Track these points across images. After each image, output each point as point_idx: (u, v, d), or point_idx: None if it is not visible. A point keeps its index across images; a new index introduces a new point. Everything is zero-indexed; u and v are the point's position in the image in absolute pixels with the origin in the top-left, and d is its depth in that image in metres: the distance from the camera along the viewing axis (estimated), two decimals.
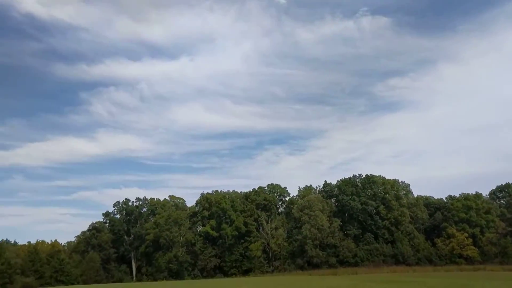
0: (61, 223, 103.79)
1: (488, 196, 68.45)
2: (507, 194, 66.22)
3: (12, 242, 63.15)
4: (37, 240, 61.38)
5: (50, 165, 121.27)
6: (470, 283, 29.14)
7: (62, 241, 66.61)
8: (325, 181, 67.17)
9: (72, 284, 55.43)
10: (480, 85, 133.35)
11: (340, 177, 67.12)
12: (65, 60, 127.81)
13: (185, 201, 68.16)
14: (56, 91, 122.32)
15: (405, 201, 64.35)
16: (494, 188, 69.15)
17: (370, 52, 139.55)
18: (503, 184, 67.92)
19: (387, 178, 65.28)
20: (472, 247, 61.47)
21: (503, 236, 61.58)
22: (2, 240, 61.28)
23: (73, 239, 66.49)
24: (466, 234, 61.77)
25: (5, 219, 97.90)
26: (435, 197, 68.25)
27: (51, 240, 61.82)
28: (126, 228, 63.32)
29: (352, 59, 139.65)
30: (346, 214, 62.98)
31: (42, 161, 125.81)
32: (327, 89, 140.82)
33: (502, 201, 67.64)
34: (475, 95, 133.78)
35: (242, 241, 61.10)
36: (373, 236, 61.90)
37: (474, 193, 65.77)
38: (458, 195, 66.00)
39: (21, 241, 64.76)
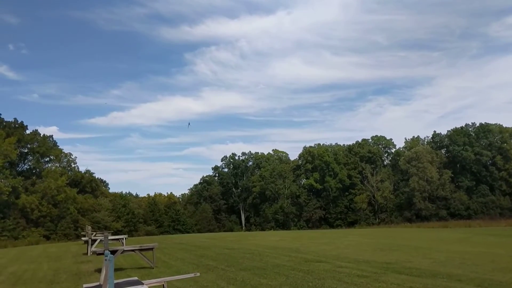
0: (175, 177, 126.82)
1: None
2: None
3: (134, 195, 79.06)
4: (155, 192, 76.47)
5: (162, 124, 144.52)
6: None
7: (177, 193, 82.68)
8: (434, 131, 73.14)
9: (188, 232, 69.18)
10: None
11: (451, 126, 72.80)
12: (169, 23, 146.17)
13: (288, 154, 79.24)
14: (162, 53, 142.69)
15: None
16: None
17: None
18: None
19: (504, 126, 68.95)
20: None
21: None
22: (126, 193, 77.41)
23: (186, 191, 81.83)
24: None
25: (126, 174, 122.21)
26: None
27: (167, 193, 76.77)
28: (234, 181, 76.14)
29: None
30: (458, 165, 68.63)
31: (155, 120, 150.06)
32: (434, 33, 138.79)
33: None
34: None
35: (347, 193, 70.24)
36: (488, 188, 67.02)
37: None
38: None
39: (141, 194, 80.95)
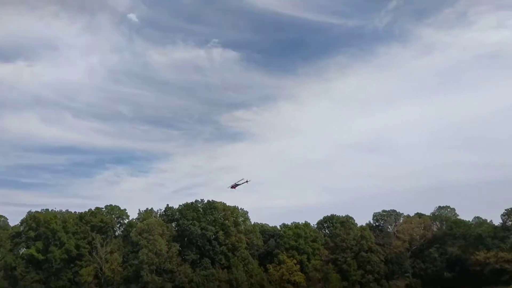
0: None
1: (316, 226, 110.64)
2: (331, 225, 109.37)
3: None
4: None
5: None
6: None
7: None
8: (167, 204, 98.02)
9: None
10: (312, 123, 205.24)
11: (183, 201, 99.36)
12: None
13: (7, 219, 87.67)
14: None
15: (243, 227, 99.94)
16: (321, 218, 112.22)
17: (219, 82, 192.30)
18: (329, 215, 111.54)
19: (227, 204, 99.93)
20: (300, 273, 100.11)
21: (326, 263, 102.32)
22: None
23: None
24: (295, 261, 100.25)
25: None
26: (270, 225, 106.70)
27: None
28: None
29: (202, 87, 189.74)
30: (186, 239, 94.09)
31: None
32: (176, 114, 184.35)
33: (326, 231, 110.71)
34: (307, 132, 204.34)
35: (72, 265, 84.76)
36: (210, 261, 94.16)
37: (303, 222, 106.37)
38: (290, 224, 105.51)
39: None
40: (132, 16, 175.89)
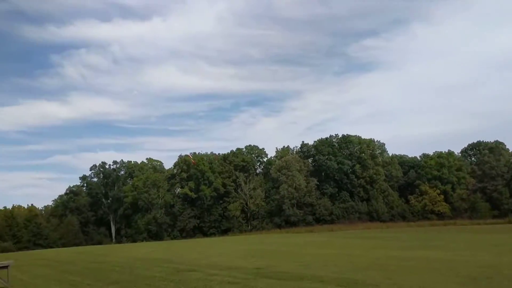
0: (37, 187, 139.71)
1: (460, 154, 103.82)
2: (478, 152, 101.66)
3: None
4: (13, 205, 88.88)
5: (23, 129, 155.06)
6: (440, 235, 43.02)
7: (39, 205, 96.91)
8: (303, 141, 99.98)
9: (51, 247, 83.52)
10: (451, 44, 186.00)
11: (317, 137, 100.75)
12: (34, 21, 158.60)
13: (163, 163, 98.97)
14: (25, 54, 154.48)
15: (380, 160, 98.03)
16: (465, 146, 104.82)
17: (345, 12, 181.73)
18: (475, 142, 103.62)
19: (363, 137, 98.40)
20: (444, 203, 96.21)
21: (472, 192, 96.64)
22: None
23: (50, 203, 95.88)
24: (438, 191, 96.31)
25: None
26: (409, 156, 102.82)
27: (27, 205, 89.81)
28: (104, 191, 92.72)
29: (327, 19, 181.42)
30: (323, 174, 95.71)
31: (15, 126, 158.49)
32: (303, 50, 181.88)
33: (473, 159, 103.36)
34: (446, 54, 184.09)
35: (221, 201, 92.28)
36: (348, 194, 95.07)
37: (446, 151, 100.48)
38: (431, 154, 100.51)
39: None
40: None
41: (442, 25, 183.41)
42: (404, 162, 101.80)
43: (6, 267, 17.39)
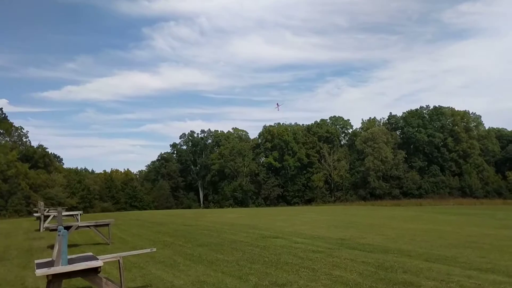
0: (132, 153, 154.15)
1: None
2: None
3: (90, 171, 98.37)
4: (111, 169, 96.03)
5: (118, 99, 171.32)
6: None
7: (134, 170, 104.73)
8: (390, 113, 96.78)
9: (145, 209, 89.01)
10: None
11: (406, 109, 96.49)
12: None
13: (248, 133, 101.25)
14: (119, 27, 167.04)
15: (475, 133, 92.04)
16: None
17: None
18: None
19: (456, 109, 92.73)
20: None
21: None
22: (81, 169, 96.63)
23: (144, 168, 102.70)
24: None
25: (82, 150, 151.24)
26: (509, 129, 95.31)
27: (124, 169, 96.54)
28: (192, 158, 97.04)
29: None
30: (412, 146, 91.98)
31: (111, 95, 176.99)
32: (392, 17, 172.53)
33: None
34: None
35: (305, 172, 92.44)
36: (439, 168, 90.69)
37: None
38: None
39: (97, 170, 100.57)
40: None
41: None
42: (502, 136, 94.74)
43: (107, 225, 18.96)
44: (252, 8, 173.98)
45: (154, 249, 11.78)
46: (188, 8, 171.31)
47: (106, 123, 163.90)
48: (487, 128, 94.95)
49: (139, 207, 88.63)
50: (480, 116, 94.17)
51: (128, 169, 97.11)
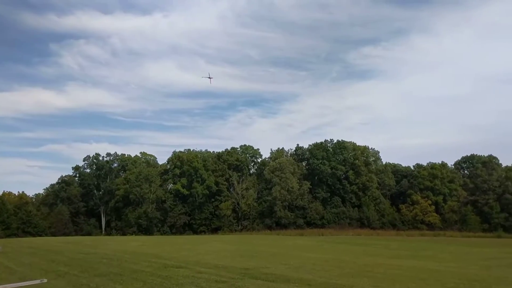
0: (29, 175, 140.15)
1: (453, 166, 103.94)
2: (471, 165, 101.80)
3: None
4: (3, 191, 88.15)
5: (18, 116, 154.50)
6: (430, 246, 44.28)
7: (30, 193, 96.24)
8: (297, 144, 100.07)
9: (40, 236, 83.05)
10: (449, 57, 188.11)
11: (312, 141, 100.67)
12: (35, 9, 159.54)
13: (156, 158, 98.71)
14: (24, 41, 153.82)
15: (374, 167, 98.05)
16: (459, 158, 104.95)
17: (345, 19, 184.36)
18: (468, 155, 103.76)
19: (358, 144, 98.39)
20: (434, 214, 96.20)
21: (464, 205, 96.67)
22: None
23: (41, 191, 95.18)
24: (429, 201, 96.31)
25: None
26: (403, 165, 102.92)
27: (18, 192, 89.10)
28: (96, 182, 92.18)
29: (328, 25, 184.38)
30: (316, 178, 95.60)
31: (10, 112, 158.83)
32: (302, 54, 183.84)
33: (466, 172, 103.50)
34: (445, 67, 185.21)
35: (213, 200, 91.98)
36: (340, 199, 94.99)
37: (440, 162, 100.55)
38: (425, 164, 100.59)
39: None
40: None
41: (441, 37, 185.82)
42: (397, 171, 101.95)
43: None
44: (167, 33, 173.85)
45: (45, 280, 11.04)
46: (100, 27, 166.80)
47: (2, 140, 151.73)
48: (384, 163, 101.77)
49: (33, 233, 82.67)
50: (379, 152, 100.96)
51: (23, 192, 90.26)
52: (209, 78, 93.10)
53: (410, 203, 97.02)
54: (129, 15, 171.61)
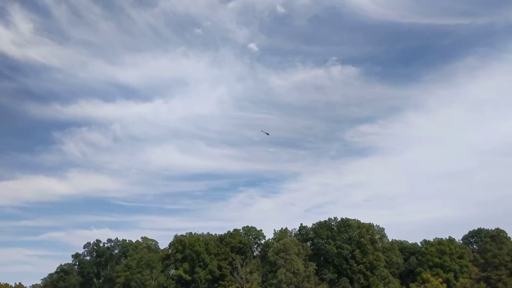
0: (27, 264, 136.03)
1: (461, 241, 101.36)
2: (479, 239, 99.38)
3: None
4: (0, 283, 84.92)
5: (18, 205, 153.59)
6: None
7: (28, 283, 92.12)
8: (301, 224, 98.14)
9: None
10: (445, 132, 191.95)
11: (314, 220, 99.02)
12: (39, 99, 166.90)
13: (158, 243, 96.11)
14: (28, 130, 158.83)
15: (380, 245, 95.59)
16: (466, 233, 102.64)
17: (340, 99, 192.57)
18: (475, 229, 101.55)
19: (362, 221, 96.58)
20: None
21: (476, 281, 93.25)
22: None
23: (39, 282, 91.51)
24: (440, 279, 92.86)
25: None
26: (410, 242, 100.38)
27: (15, 283, 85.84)
28: (96, 270, 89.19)
29: (324, 105, 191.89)
30: (322, 258, 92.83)
31: (11, 200, 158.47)
32: (301, 134, 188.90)
33: (474, 246, 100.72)
34: (442, 141, 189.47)
35: (216, 285, 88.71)
36: (348, 280, 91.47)
37: (447, 237, 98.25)
38: (432, 240, 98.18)
39: None
40: (252, 46, 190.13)
41: (434, 113, 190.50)
42: (404, 248, 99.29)
43: None
44: (167, 118, 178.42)
45: None
46: (102, 115, 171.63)
47: (1, 230, 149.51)
48: (390, 240, 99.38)
49: None
50: (384, 229, 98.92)
51: (20, 283, 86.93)
52: (267, 133, 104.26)
53: (421, 281, 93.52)
54: (130, 102, 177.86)
